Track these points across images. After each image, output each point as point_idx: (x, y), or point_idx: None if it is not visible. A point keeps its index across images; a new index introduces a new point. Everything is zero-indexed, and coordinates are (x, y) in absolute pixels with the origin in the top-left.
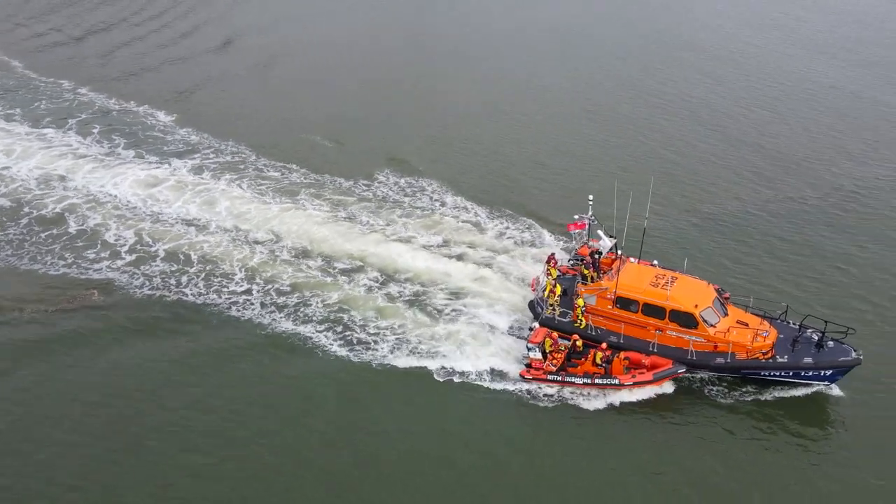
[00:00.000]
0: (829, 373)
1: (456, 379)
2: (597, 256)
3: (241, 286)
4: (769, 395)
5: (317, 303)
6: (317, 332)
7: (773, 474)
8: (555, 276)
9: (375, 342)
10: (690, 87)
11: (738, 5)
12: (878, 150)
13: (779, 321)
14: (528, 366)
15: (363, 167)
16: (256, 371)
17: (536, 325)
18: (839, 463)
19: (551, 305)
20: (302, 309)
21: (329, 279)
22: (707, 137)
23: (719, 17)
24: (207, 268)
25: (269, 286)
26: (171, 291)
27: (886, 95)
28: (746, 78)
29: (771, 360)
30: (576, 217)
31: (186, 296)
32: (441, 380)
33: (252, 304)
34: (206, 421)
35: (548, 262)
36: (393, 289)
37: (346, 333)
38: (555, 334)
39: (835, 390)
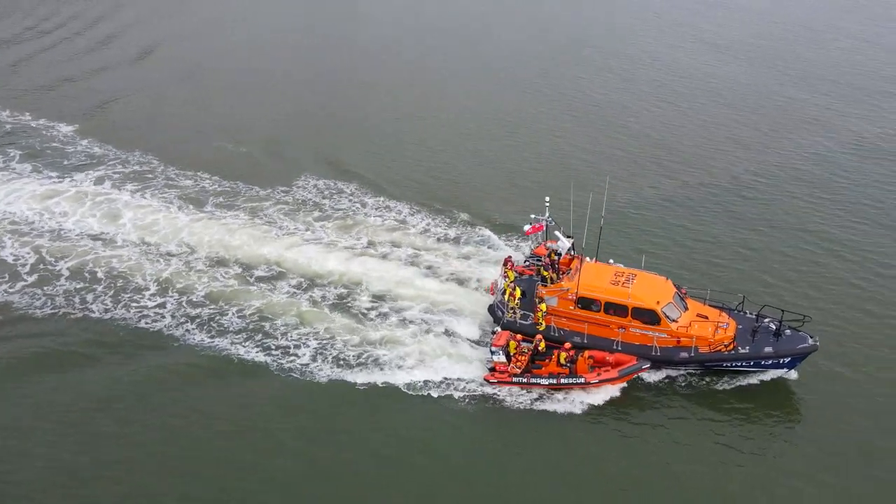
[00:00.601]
0: (787, 360)
1: (420, 387)
2: (556, 257)
3: (156, 300)
4: (731, 384)
5: (277, 321)
6: (259, 347)
7: (742, 462)
8: (512, 279)
9: (344, 357)
10: (597, 87)
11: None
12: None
13: (736, 312)
14: (492, 369)
15: (283, 173)
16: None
17: (498, 328)
18: (803, 443)
19: (512, 309)
20: (261, 329)
21: (287, 294)
22: (634, 133)
23: (628, 17)
24: (118, 283)
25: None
26: (75, 309)
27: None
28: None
29: (733, 352)
30: (532, 217)
31: (93, 312)
32: (407, 390)
33: (168, 318)
34: (141, 446)
35: (504, 264)
36: (362, 300)
37: (324, 348)
38: (518, 337)
39: (793, 374)
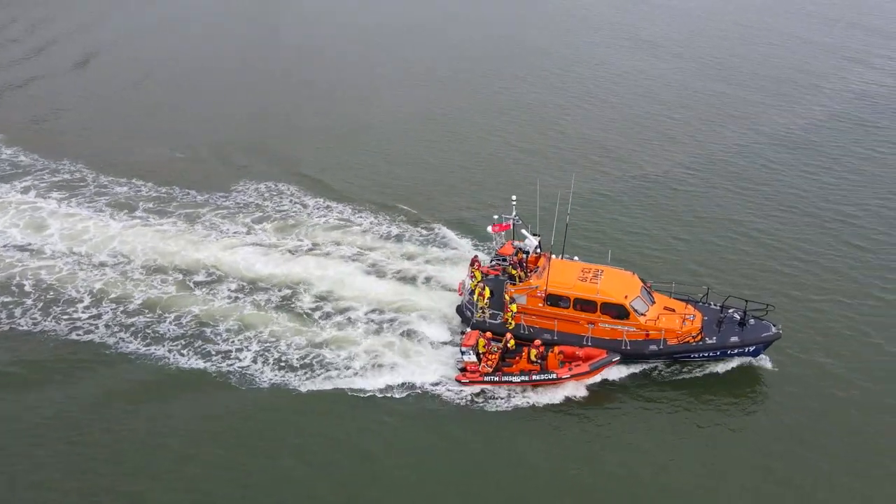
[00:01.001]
0: (752, 348)
1: (391, 390)
2: (523, 255)
3: (90, 311)
4: (699, 373)
5: (219, 326)
6: (199, 353)
7: (714, 449)
8: (479, 279)
9: (306, 362)
10: (533, 86)
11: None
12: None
13: (701, 303)
14: (463, 370)
15: (223, 176)
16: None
17: (468, 329)
18: (772, 426)
19: (481, 309)
20: (201, 335)
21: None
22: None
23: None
24: (49, 295)
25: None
26: (1, 324)
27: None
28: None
29: (701, 343)
30: (495, 217)
31: (21, 326)
32: (378, 394)
33: (103, 328)
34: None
35: (471, 264)
36: (330, 305)
37: (275, 355)
38: (488, 334)
39: (758, 361)
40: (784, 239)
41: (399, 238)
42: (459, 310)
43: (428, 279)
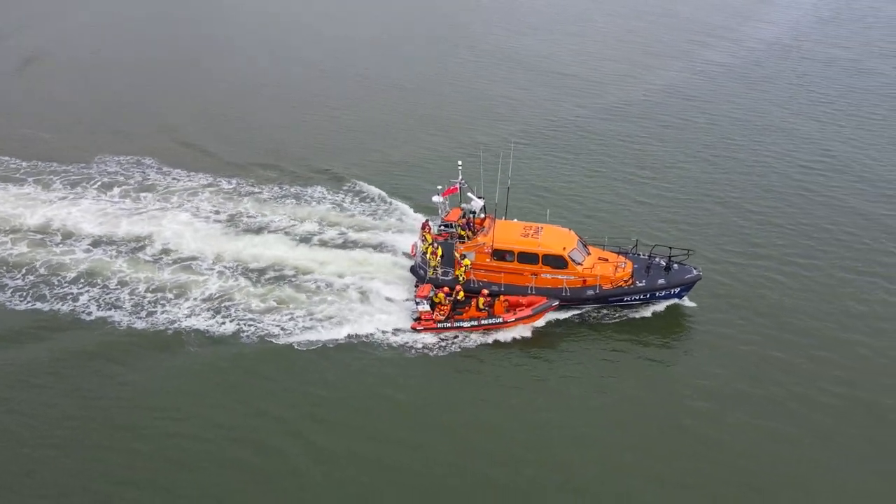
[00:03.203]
0: (678, 290)
1: (353, 341)
2: (471, 216)
3: None
4: (633, 315)
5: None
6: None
7: (650, 383)
8: (430, 241)
9: (278, 323)
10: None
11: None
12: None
13: (631, 254)
14: (418, 318)
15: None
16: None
17: (416, 281)
18: (700, 359)
19: (433, 267)
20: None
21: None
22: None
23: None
24: None
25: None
26: None
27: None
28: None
29: (632, 287)
30: (439, 188)
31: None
32: (344, 342)
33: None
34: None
35: (422, 228)
36: (284, 273)
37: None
38: (445, 289)
39: (685, 301)
40: (702, 189)
41: (354, 211)
42: (413, 270)
43: (382, 245)
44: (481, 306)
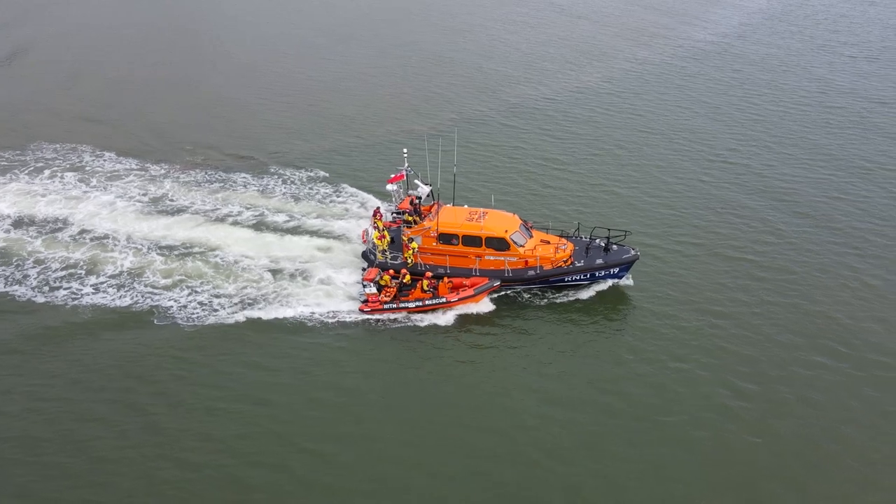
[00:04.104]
0: (617, 270)
1: (301, 322)
2: (417, 202)
3: None
4: (574, 296)
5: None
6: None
7: (592, 360)
8: (381, 227)
9: (227, 301)
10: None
11: None
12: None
13: (574, 237)
14: (366, 301)
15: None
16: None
17: (366, 265)
18: (641, 333)
19: (382, 251)
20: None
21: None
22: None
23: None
24: None
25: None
26: None
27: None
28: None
29: (571, 267)
30: (392, 176)
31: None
32: (294, 322)
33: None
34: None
35: (374, 215)
36: (227, 258)
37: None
38: (390, 272)
39: (627, 280)
40: (643, 174)
41: (303, 197)
42: (364, 255)
43: (332, 231)
44: (426, 288)
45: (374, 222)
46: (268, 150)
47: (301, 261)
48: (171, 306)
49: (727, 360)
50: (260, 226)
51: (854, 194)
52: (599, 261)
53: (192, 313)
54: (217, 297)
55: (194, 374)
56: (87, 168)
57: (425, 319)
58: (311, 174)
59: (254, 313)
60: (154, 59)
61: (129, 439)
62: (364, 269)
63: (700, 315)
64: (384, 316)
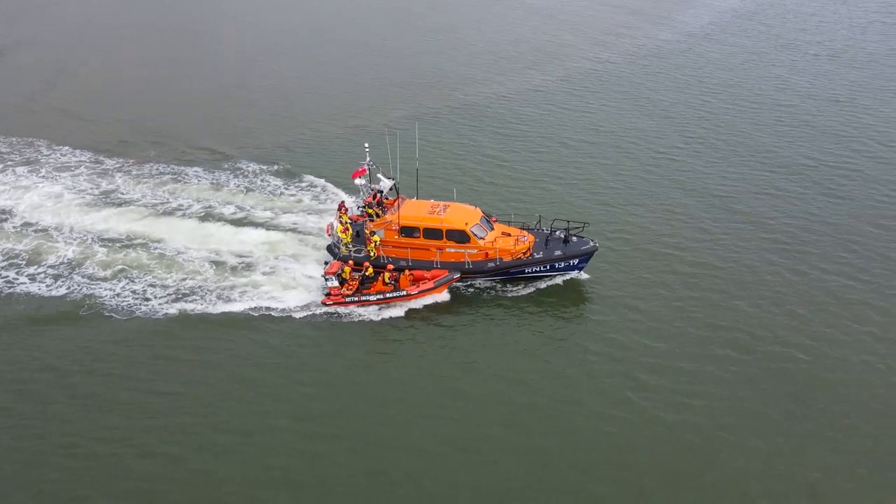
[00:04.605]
0: (576, 262)
1: (264, 315)
2: (379, 196)
3: None
4: (535, 287)
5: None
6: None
7: (548, 352)
8: (346, 221)
9: (192, 294)
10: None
11: None
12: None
13: (535, 229)
14: (328, 294)
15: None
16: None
17: (330, 259)
18: (598, 324)
19: (346, 245)
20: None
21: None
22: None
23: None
24: None
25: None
26: None
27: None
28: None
29: (530, 258)
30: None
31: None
32: (254, 315)
33: None
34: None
35: (339, 209)
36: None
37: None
38: (350, 263)
39: (584, 275)
40: (603, 167)
41: (269, 192)
42: (329, 249)
43: (297, 225)
44: (387, 280)
45: (340, 216)
46: (227, 144)
47: (263, 253)
48: (104, 297)
49: (638, 352)
50: (209, 217)
51: (790, 191)
52: (558, 252)
53: (125, 304)
54: (153, 286)
55: (112, 366)
56: (41, 161)
57: (386, 312)
58: (267, 168)
59: (191, 305)
60: (132, 56)
61: (31, 429)
62: (326, 263)
63: (658, 309)
64: (346, 309)
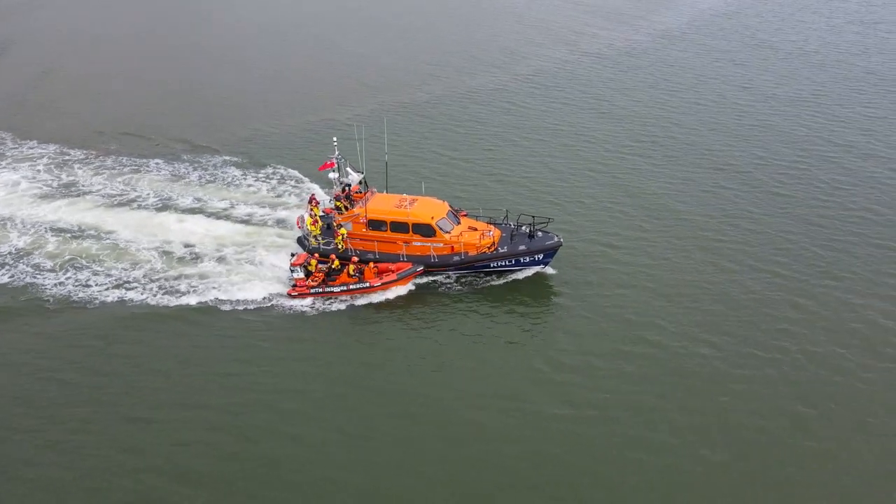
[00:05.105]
0: (541, 256)
1: (231, 307)
2: (347, 189)
3: None
4: (499, 281)
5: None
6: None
7: (514, 344)
8: (317, 214)
9: (158, 286)
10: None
11: None
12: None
13: (502, 223)
14: (295, 285)
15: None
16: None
17: (298, 251)
18: (561, 320)
19: (315, 237)
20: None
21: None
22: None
23: None
24: None
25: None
26: None
27: None
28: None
29: (494, 253)
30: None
31: None
32: (222, 307)
33: None
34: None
35: (310, 202)
36: (166, 246)
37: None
38: (316, 256)
39: (549, 270)
40: (575, 162)
41: (237, 184)
42: (299, 241)
43: (266, 217)
44: (352, 272)
45: (311, 209)
46: (203, 137)
47: (231, 245)
48: (47, 286)
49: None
50: (191, 210)
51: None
52: (522, 247)
53: (67, 293)
54: (96, 275)
55: (48, 352)
56: (4, 153)
57: (352, 303)
58: (228, 159)
59: (176, 299)
60: (110, 54)
61: None
62: (293, 255)
63: (623, 306)
64: (310, 300)
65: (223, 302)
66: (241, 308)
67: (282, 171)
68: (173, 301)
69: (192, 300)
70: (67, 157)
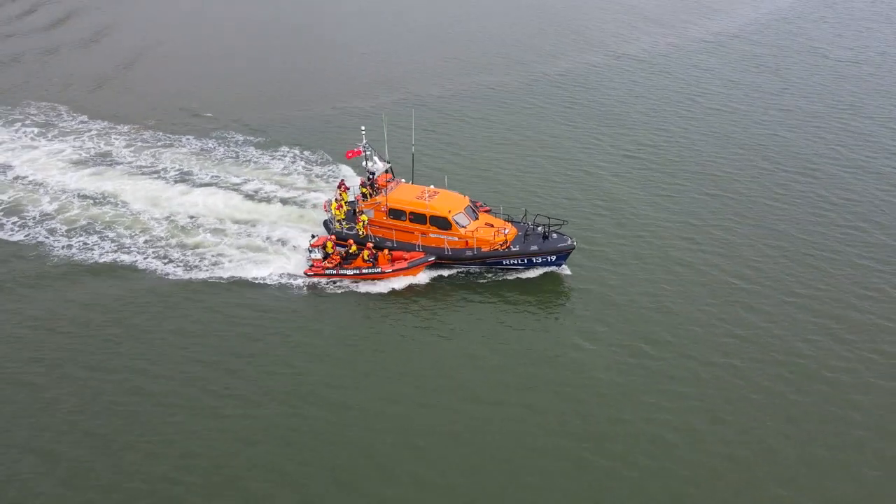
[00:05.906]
0: (554, 258)
1: (248, 281)
2: (371, 177)
3: None
4: (509, 277)
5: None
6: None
7: (523, 340)
8: (346, 199)
9: (191, 260)
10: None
11: None
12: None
13: (520, 222)
14: (312, 265)
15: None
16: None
17: (319, 233)
18: (570, 320)
19: (339, 221)
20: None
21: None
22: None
23: None
24: None
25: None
26: None
27: None
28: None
29: (506, 250)
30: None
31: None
32: (235, 282)
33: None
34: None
35: (339, 187)
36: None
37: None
38: (332, 237)
39: (564, 269)
40: (596, 164)
41: (272, 167)
42: (325, 224)
43: (296, 200)
44: (366, 258)
45: (339, 194)
46: (239, 119)
47: (260, 224)
48: (56, 246)
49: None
50: (226, 190)
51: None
52: (534, 247)
53: (78, 255)
54: (147, 245)
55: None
56: (52, 123)
57: (368, 289)
58: (255, 140)
59: (211, 271)
60: (204, 36)
61: None
62: (313, 237)
63: (634, 309)
64: (325, 281)
65: (240, 279)
66: (258, 284)
67: (321, 155)
68: (186, 274)
69: (203, 274)
70: (112, 130)
